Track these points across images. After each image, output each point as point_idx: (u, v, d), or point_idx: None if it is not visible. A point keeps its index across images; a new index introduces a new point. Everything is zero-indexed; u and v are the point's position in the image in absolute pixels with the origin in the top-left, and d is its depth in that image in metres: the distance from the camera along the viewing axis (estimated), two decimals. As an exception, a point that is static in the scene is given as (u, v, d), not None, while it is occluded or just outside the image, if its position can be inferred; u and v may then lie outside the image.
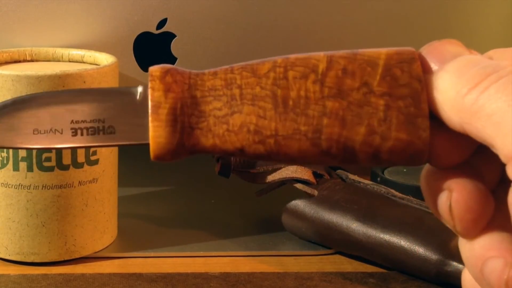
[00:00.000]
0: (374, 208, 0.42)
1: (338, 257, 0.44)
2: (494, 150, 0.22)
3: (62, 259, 0.40)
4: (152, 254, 0.45)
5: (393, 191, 0.44)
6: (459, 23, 0.57)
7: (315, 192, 0.42)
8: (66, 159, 0.42)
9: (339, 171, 0.49)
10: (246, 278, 0.41)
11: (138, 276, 0.41)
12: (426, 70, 0.25)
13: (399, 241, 0.39)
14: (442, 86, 0.24)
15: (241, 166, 0.48)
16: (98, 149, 0.44)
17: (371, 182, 0.44)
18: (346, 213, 0.42)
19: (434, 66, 0.25)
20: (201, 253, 0.45)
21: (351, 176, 0.44)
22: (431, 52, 0.25)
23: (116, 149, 0.47)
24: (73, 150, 0.43)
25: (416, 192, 0.38)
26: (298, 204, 0.44)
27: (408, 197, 0.43)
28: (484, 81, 0.23)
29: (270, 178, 0.46)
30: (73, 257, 0.43)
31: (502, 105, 0.22)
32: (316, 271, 0.42)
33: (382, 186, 0.45)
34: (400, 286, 0.40)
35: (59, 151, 0.43)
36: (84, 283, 0.39)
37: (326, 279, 0.41)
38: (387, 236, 0.40)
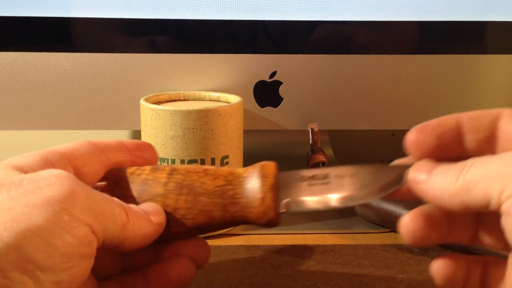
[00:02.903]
0: (418, 201, 0.38)
1: (393, 234, 0.49)
2: (492, 206, 0.26)
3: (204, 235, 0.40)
4: (266, 232, 0.50)
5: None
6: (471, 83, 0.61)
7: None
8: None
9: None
10: (330, 248, 0.46)
11: (257, 247, 0.46)
12: (417, 182, 0.30)
13: (435, 223, 0.46)
14: (437, 184, 0.28)
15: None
16: (229, 159, 0.50)
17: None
18: (398, 204, 0.47)
19: (422, 175, 0.30)
20: (300, 231, 0.50)
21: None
22: (419, 168, 0.30)
23: (241, 157, 0.53)
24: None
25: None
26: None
27: None
28: (463, 170, 0.28)
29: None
30: (214, 233, 0.48)
31: (482, 173, 0.27)
32: (378, 244, 0.47)
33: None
34: (436, 254, 0.44)
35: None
36: (219, 251, 0.45)
37: (385, 249, 0.46)
38: (427, 219, 0.47)
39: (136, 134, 0.74)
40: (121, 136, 0.77)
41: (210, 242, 0.39)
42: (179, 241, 0.36)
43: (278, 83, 0.60)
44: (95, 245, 0.29)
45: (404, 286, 0.40)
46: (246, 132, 0.55)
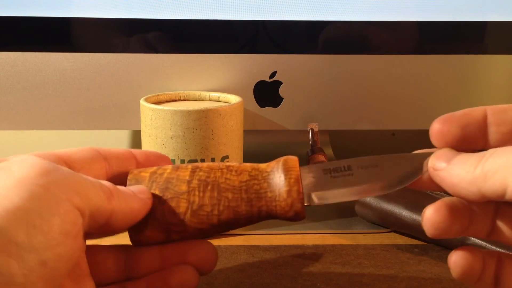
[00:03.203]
0: (418, 200, 0.46)
1: (393, 234, 0.50)
2: (508, 195, 0.26)
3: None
4: (266, 232, 0.50)
5: (431, 189, 0.49)
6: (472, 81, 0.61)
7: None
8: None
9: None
10: (330, 248, 0.46)
11: (256, 247, 0.46)
12: (437, 169, 0.30)
13: (435, 223, 0.47)
14: (456, 172, 0.29)
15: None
16: (229, 159, 0.50)
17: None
18: (398, 204, 0.47)
19: (442, 163, 0.30)
20: (300, 231, 0.50)
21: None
22: (439, 156, 0.30)
23: (241, 157, 0.53)
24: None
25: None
26: (366, 198, 0.50)
27: (441, 193, 0.43)
28: (483, 158, 0.28)
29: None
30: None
31: (501, 162, 0.27)
32: (378, 244, 0.48)
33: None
34: (436, 254, 0.45)
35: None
36: (219, 251, 0.45)
37: (385, 249, 0.46)
38: (427, 219, 0.48)
39: (136, 134, 0.74)
40: (121, 136, 0.77)
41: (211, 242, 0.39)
42: (186, 246, 0.35)
43: (278, 83, 0.60)
44: (80, 221, 0.28)
45: (404, 286, 0.40)
46: (246, 132, 0.55)
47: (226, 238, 0.49)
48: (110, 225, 0.31)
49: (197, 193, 0.34)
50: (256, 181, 0.34)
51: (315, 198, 0.34)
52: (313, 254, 0.46)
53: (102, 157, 0.35)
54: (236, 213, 0.34)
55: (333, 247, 0.47)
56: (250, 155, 0.58)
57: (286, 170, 0.34)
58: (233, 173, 0.35)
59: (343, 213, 0.54)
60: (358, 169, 0.33)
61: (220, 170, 0.35)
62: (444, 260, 0.44)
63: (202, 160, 0.49)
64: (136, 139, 0.76)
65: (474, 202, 0.30)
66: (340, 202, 0.34)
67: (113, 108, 0.59)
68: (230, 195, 0.34)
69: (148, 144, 0.50)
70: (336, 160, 0.65)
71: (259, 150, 0.65)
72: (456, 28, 0.58)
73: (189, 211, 0.34)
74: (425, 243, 0.47)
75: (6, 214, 0.25)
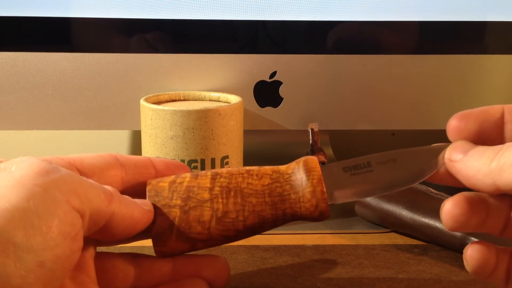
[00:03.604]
0: (418, 200, 0.47)
1: (393, 234, 0.50)
2: None
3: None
4: (266, 232, 0.44)
5: (431, 189, 0.48)
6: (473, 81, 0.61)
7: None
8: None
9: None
10: (330, 248, 0.47)
11: (256, 247, 0.46)
12: (453, 160, 0.30)
13: (434, 223, 0.45)
14: (472, 164, 0.29)
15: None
16: (229, 159, 0.50)
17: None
18: (398, 204, 0.48)
19: (459, 155, 0.30)
20: (300, 231, 0.50)
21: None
22: (456, 148, 0.31)
23: (241, 157, 0.53)
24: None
25: (446, 189, 0.41)
26: (366, 198, 0.49)
27: (441, 193, 0.48)
28: (499, 151, 0.28)
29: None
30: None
31: None
32: (378, 244, 0.48)
33: (423, 185, 0.49)
34: (436, 254, 0.45)
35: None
36: (219, 251, 0.45)
37: (385, 249, 0.46)
38: (427, 219, 0.45)
39: (136, 134, 0.74)
40: (121, 136, 0.77)
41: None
42: (199, 260, 0.35)
43: (278, 83, 0.60)
44: (79, 222, 0.28)
45: (404, 286, 0.40)
46: (246, 132, 0.55)
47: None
48: (109, 229, 0.31)
49: (220, 200, 0.34)
50: (278, 184, 0.34)
51: (338, 196, 0.34)
52: (313, 254, 0.46)
53: (119, 164, 0.35)
54: (261, 218, 0.34)
55: (333, 247, 0.47)
56: (250, 155, 0.58)
57: (308, 171, 0.34)
58: (254, 177, 0.35)
59: (343, 213, 0.54)
60: (378, 165, 0.34)
61: (241, 175, 0.35)
62: (444, 260, 0.44)
63: (202, 160, 0.49)
64: (136, 139, 0.76)
65: (488, 194, 0.30)
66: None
67: (113, 108, 0.59)
68: (254, 200, 0.34)
69: (148, 144, 0.50)
70: (336, 160, 0.65)
71: (259, 150, 0.66)
72: (456, 28, 0.58)
73: (214, 219, 0.34)
74: (425, 243, 0.48)
75: (3, 213, 0.25)
